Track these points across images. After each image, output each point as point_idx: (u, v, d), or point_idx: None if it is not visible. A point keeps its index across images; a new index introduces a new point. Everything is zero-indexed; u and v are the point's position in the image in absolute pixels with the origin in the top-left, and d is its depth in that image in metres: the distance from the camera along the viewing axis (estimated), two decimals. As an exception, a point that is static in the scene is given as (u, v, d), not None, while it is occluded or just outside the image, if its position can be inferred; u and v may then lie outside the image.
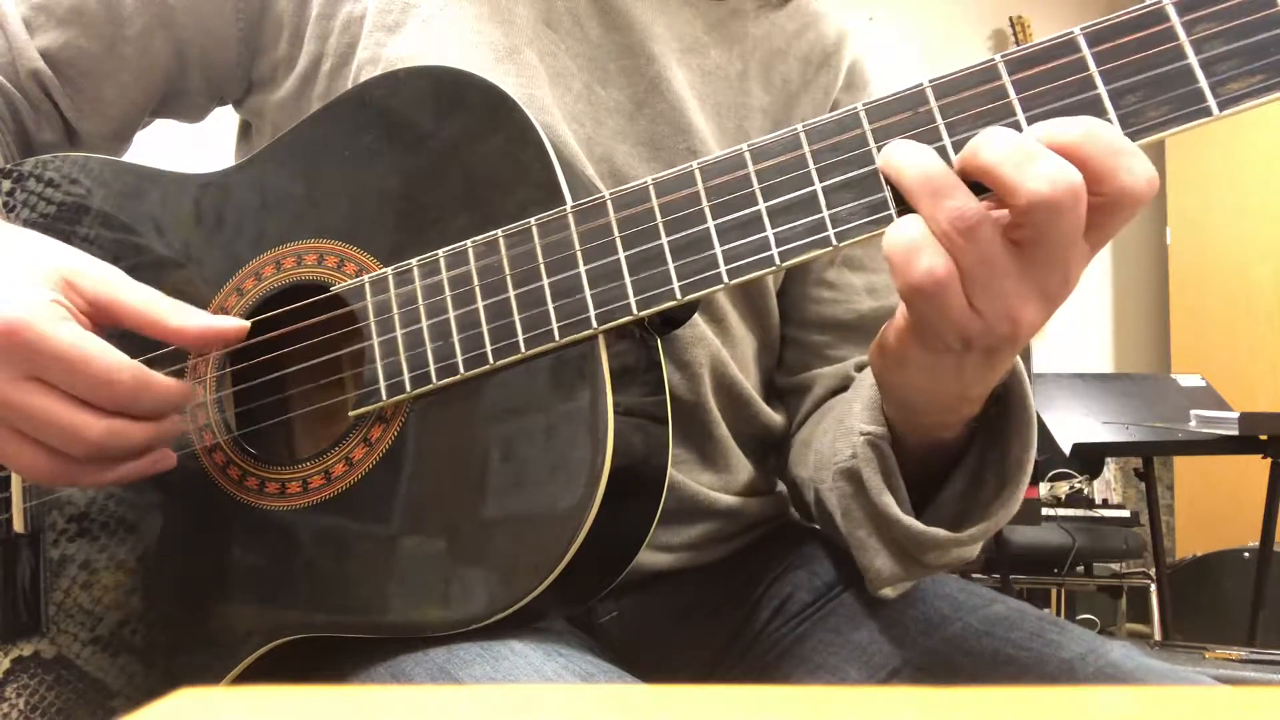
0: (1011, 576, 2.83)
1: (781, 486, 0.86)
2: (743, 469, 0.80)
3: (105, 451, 0.58)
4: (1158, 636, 2.91)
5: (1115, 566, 3.14)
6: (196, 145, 1.20)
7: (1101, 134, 0.47)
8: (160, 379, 0.59)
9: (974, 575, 2.74)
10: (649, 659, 0.75)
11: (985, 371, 0.55)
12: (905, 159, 0.50)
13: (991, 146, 0.47)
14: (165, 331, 0.60)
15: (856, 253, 0.82)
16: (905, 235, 0.49)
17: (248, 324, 0.62)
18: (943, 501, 0.63)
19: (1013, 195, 0.46)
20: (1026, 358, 1.98)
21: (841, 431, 0.67)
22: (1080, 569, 3.07)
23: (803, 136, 0.54)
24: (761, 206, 0.54)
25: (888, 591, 0.67)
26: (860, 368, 0.80)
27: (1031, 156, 0.46)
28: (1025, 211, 0.47)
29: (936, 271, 0.48)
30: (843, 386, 0.80)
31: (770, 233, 0.54)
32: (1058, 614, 3.22)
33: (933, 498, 0.63)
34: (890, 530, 0.62)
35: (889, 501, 0.61)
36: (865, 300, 0.82)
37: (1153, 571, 2.94)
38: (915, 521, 0.61)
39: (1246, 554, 2.91)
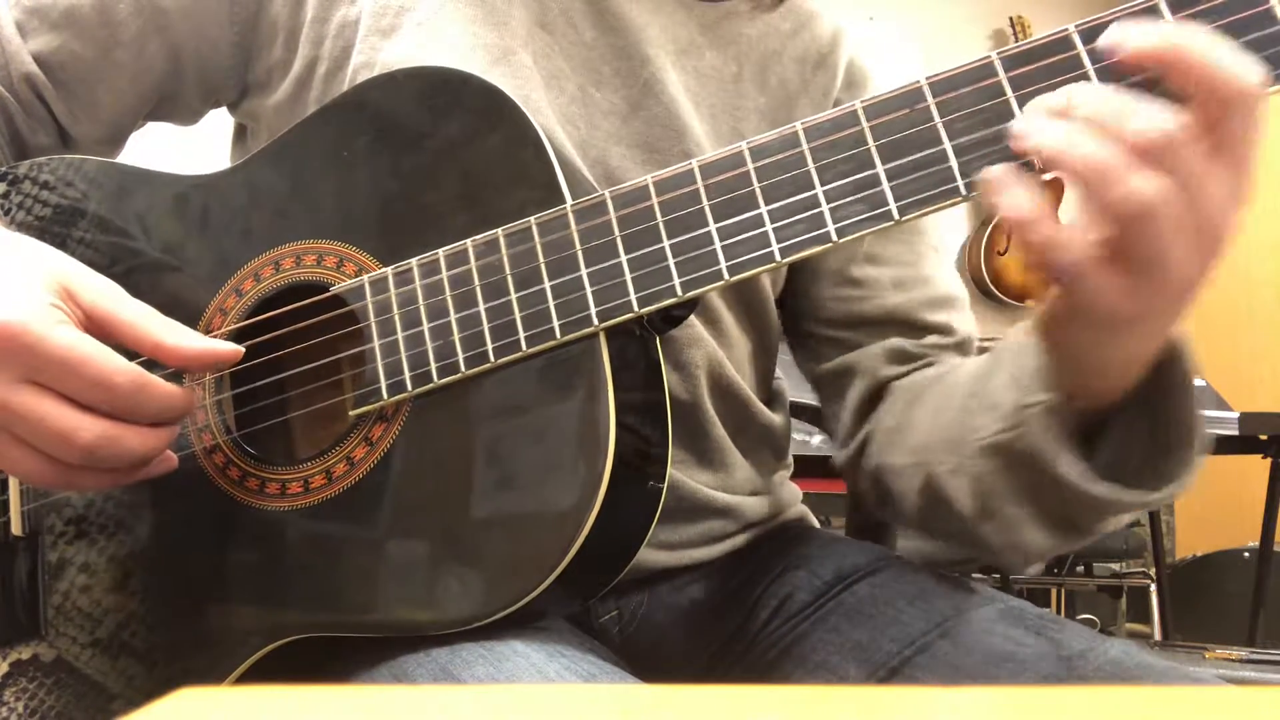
0: (1011, 576, 2.83)
1: (784, 487, 0.86)
2: (740, 468, 0.80)
3: (98, 458, 0.57)
4: (1158, 636, 2.91)
5: (1115, 566, 3.13)
6: (189, 147, 1.20)
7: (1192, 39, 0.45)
8: (160, 383, 0.58)
9: (974, 575, 2.74)
10: (648, 658, 0.74)
11: (1150, 335, 0.54)
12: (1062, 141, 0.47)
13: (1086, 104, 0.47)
14: (160, 350, 0.59)
15: (879, 249, 0.82)
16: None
17: (242, 349, 0.61)
18: (1126, 457, 0.59)
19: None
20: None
21: (984, 406, 0.64)
22: (1080, 569, 3.07)
23: (801, 134, 0.54)
24: (761, 203, 0.54)
25: (1030, 570, 0.65)
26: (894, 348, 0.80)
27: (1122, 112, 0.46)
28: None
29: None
30: (900, 360, 0.79)
31: (770, 230, 0.54)
32: (1058, 614, 3.21)
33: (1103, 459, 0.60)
34: (1055, 498, 0.60)
35: (1066, 468, 0.58)
36: (892, 295, 0.81)
37: (1153, 571, 2.94)
38: (1100, 485, 0.57)
39: (1246, 554, 2.90)
